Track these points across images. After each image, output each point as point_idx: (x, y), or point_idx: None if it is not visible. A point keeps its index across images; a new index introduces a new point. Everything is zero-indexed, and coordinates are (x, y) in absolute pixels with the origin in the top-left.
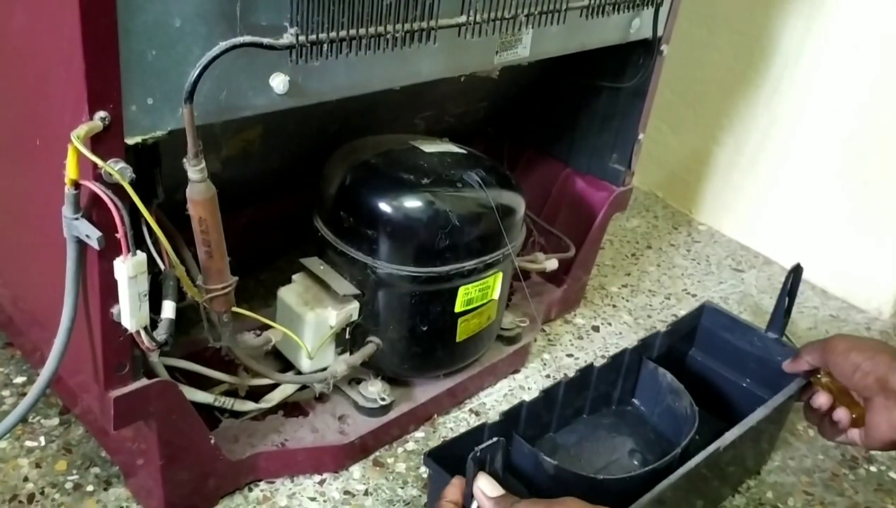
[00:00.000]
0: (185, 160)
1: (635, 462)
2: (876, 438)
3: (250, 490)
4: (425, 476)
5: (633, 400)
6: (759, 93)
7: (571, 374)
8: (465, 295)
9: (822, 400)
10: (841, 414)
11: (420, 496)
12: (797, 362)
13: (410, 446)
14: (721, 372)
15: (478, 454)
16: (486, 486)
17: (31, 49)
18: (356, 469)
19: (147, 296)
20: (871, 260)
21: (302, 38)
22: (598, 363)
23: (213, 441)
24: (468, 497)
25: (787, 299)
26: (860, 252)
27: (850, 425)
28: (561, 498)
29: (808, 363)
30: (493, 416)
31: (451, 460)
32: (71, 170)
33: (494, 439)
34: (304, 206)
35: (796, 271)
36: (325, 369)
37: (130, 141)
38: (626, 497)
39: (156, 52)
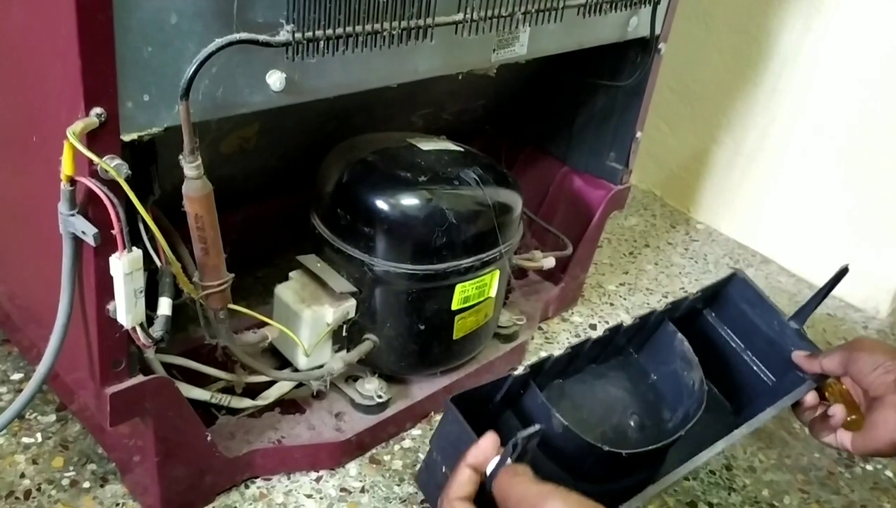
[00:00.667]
0: (181, 157)
1: (632, 424)
2: (879, 436)
3: (247, 486)
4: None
5: (639, 352)
6: (758, 91)
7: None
8: (462, 293)
9: (808, 398)
10: (837, 410)
11: (416, 493)
12: (811, 361)
13: (407, 443)
14: (730, 340)
15: (518, 441)
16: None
17: (28, 45)
18: (353, 467)
19: (143, 293)
20: (868, 259)
21: (298, 35)
22: (627, 322)
23: (209, 438)
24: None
25: (822, 297)
26: (858, 251)
27: (844, 426)
28: (546, 488)
29: (822, 367)
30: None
31: (473, 411)
32: (67, 167)
33: (536, 427)
34: (301, 204)
35: (842, 272)
36: (321, 366)
37: (126, 137)
38: (619, 468)
39: (152, 48)
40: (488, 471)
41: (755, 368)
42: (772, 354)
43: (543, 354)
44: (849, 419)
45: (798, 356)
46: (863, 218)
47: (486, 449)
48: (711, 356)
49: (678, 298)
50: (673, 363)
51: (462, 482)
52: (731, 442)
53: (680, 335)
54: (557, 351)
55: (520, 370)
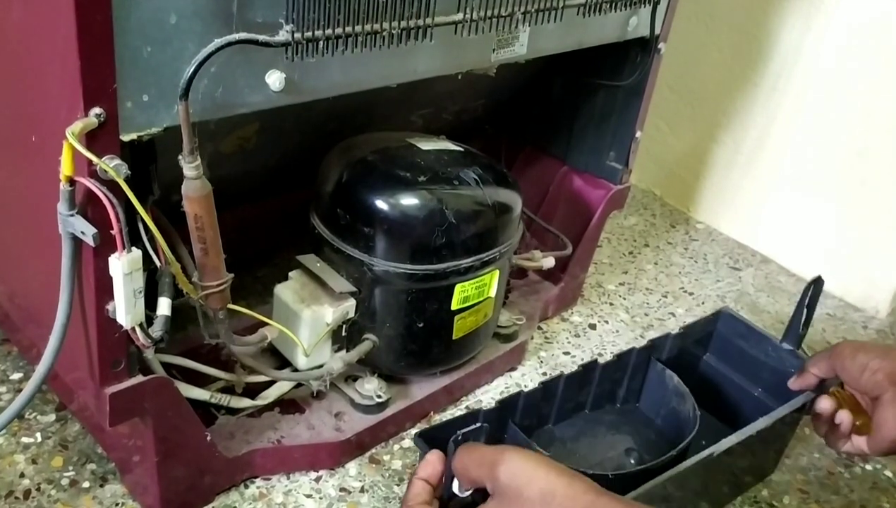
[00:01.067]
0: (180, 157)
1: (631, 461)
2: (885, 437)
3: (246, 486)
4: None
5: (639, 400)
6: (758, 91)
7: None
8: (462, 293)
9: (823, 404)
10: (843, 416)
11: None
12: (803, 377)
13: (406, 443)
14: (734, 379)
15: (459, 437)
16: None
17: (27, 45)
18: (352, 467)
19: (142, 293)
20: (868, 259)
21: (298, 35)
22: (603, 359)
23: (209, 438)
24: (448, 477)
25: (804, 311)
26: (858, 251)
27: (854, 431)
28: (507, 450)
29: (814, 375)
30: None
31: (440, 443)
32: (66, 167)
33: (478, 424)
34: (300, 203)
35: (816, 283)
36: (321, 366)
37: (126, 137)
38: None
39: (151, 48)
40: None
41: (765, 401)
42: (775, 382)
43: (543, 354)
44: (857, 423)
45: (792, 383)
46: (863, 217)
47: (433, 462)
48: (721, 399)
49: (658, 336)
50: (670, 401)
51: (416, 492)
52: (720, 449)
53: (668, 371)
54: (559, 349)
55: (487, 406)
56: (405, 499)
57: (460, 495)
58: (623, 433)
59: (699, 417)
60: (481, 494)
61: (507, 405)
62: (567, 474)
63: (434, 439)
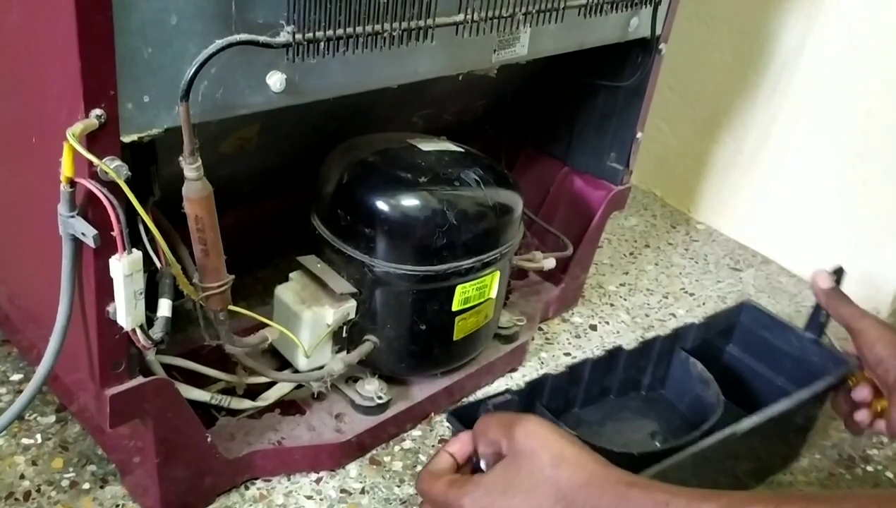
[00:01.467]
0: (181, 158)
1: (656, 444)
2: None
3: (247, 488)
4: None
5: (664, 387)
6: (759, 92)
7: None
8: (463, 294)
9: (864, 393)
10: (863, 393)
11: (416, 495)
12: (832, 302)
13: (407, 444)
14: (757, 369)
15: (490, 406)
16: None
17: (27, 46)
18: (353, 468)
19: (143, 295)
20: (869, 260)
21: (299, 36)
22: (628, 346)
23: (209, 440)
24: (476, 461)
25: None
26: (858, 251)
27: (875, 413)
28: (525, 416)
29: (840, 315)
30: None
31: (473, 423)
32: (66, 168)
33: (507, 396)
34: (301, 205)
35: (837, 273)
36: (322, 367)
37: (126, 139)
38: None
39: (152, 49)
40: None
41: (788, 390)
42: (799, 372)
43: (544, 355)
44: (879, 408)
45: (819, 280)
46: (863, 218)
47: (464, 441)
48: (745, 389)
49: (684, 324)
50: (694, 388)
51: (439, 460)
52: (742, 429)
53: (692, 359)
54: (560, 351)
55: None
56: (427, 464)
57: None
58: (648, 418)
59: (723, 402)
60: None
61: (535, 386)
62: (578, 445)
63: (467, 417)
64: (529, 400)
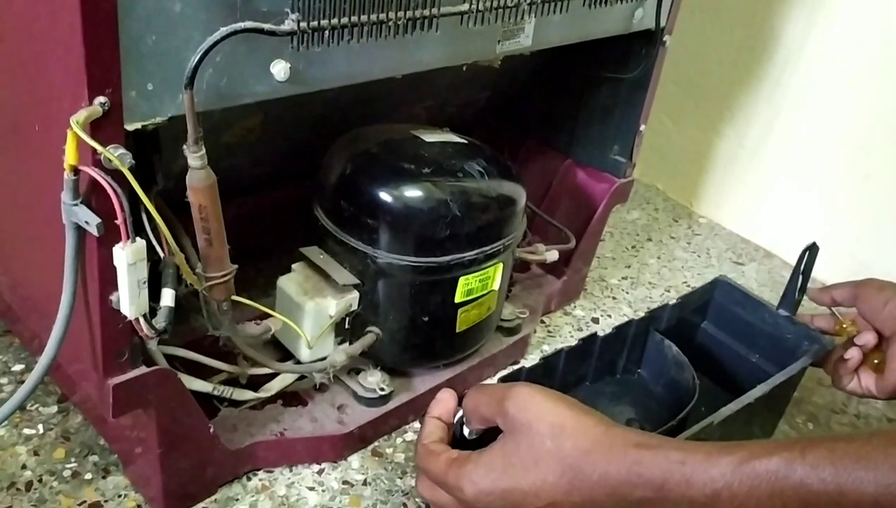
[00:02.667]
0: (185, 147)
1: None
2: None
3: (249, 479)
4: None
5: (639, 370)
6: (762, 85)
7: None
8: (466, 286)
9: (868, 337)
10: (854, 352)
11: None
12: (823, 293)
13: (409, 436)
14: (732, 346)
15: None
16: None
17: (31, 33)
18: (355, 459)
19: (146, 284)
20: (871, 254)
21: (303, 24)
22: (602, 333)
23: (212, 430)
24: (458, 423)
25: (800, 277)
26: (860, 245)
27: (870, 366)
28: (515, 386)
29: (832, 298)
30: None
31: None
32: (70, 156)
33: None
34: (304, 195)
35: (811, 250)
36: (324, 359)
37: (130, 127)
38: None
39: (156, 37)
40: (455, 419)
41: (762, 367)
42: (773, 348)
43: (546, 348)
44: (875, 361)
45: (812, 290)
46: (866, 212)
47: (445, 400)
48: (719, 366)
49: (656, 306)
50: (669, 370)
51: (431, 430)
52: (719, 417)
53: (667, 341)
54: (562, 343)
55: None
56: (419, 438)
57: (468, 437)
58: (624, 403)
59: (698, 386)
60: (491, 436)
61: (510, 379)
62: (576, 407)
63: None
64: None
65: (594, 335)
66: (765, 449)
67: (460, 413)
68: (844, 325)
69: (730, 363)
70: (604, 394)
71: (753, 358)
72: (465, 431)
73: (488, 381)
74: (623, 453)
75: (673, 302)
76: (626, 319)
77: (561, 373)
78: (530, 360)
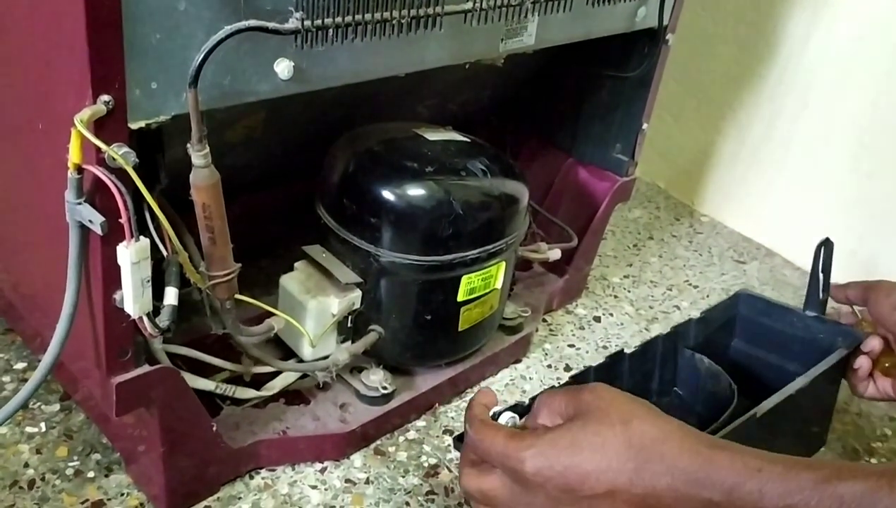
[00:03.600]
0: (188, 145)
1: None
2: None
3: (251, 477)
4: (426, 465)
5: (675, 388)
6: (764, 84)
7: (592, 363)
8: (468, 285)
9: (873, 343)
10: (862, 361)
11: (421, 484)
12: (838, 291)
13: (412, 435)
14: (765, 359)
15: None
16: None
17: (35, 32)
18: (357, 458)
19: (150, 282)
20: (873, 253)
21: (307, 22)
22: (629, 350)
23: (214, 429)
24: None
25: (820, 275)
26: (863, 244)
27: (883, 373)
28: (589, 385)
29: (846, 298)
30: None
31: None
32: (74, 155)
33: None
34: (306, 194)
35: (826, 245)
36: (327, 357)
37: (134, 125)
38: None
39: (160, 35)
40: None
41: (800, 373)
42: (807, 352)
43: (548, 346)
44: (887, 365)
45: (833, 291)
46: (868, 210)
47: (489, 394)
48: (758, 383)
49: (683, 321)
50: (705, 385)
51: (480, 411)
52: (762, 410)
53: (697, 355)
54: (564, 342)
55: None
56: (470, 416)
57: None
58: None
59: (736, 391)
60: None
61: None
62: (649, 406)
63: None
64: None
65: (621, 352)
66: (850, 472)
67: (493, 409)
68: (864, 325)
69: (767, 376)
70: None
71: (790, 366)
72: (504, 420)
73: (490, 379)
74: (696, 450)
75: (696, 316)
76: (628, 317)
77: None
78: (532, 359)
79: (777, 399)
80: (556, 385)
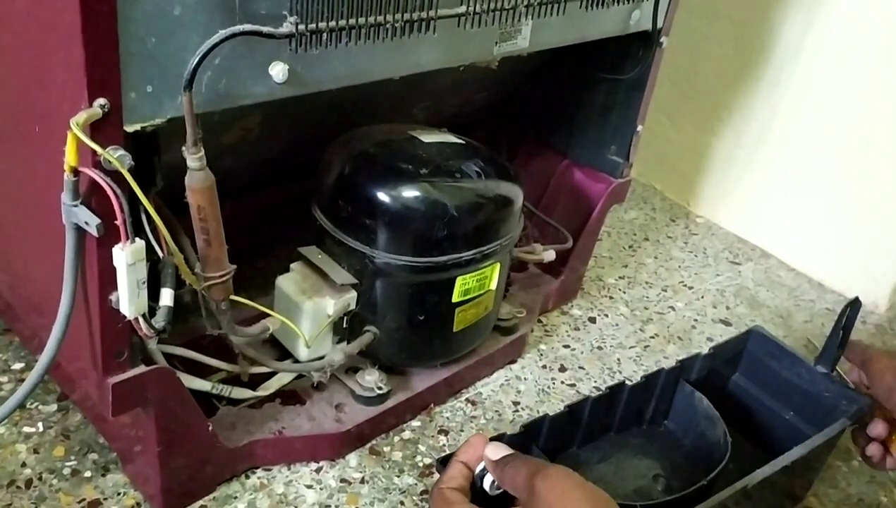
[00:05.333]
0: (184, 148)
1: (659, 489)
2: None
3: (247, 477)
4: (421, 464)
5: (666, 421)
6: (759, 85)
7: (601, 390)
8: (463, 286)
9: (879, 429)
10: (873, 450)
11: (416, 484)
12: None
13: (407, 435)
14: (764, 401)
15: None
16: (491, 451)
17: (31, 35)
18: (353, 458)
19: (145, 284)
20: (868, 254)
21: (301, 26)
22: (631, 382)
23: (210, 429)
24: (481, 472)
25: (840, 332)
26: (857, 245)
27: (891, 447)
28: (552, 466)
29: (846, 358)
30: (488, 406)
31: None
32: (70, 157)
33: (506, 431)
34: (302, 195)
35: (853, 305)
36: (322, 358)
37: (129, 128)
38: None
39: (155, 39)
40: (477, 470)
41: (797, 425)
42: (809, 406)
43: (543, 347)
44: (894, 438)
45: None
46: (862, 212)
47: (476, 445)
48: (751, 421)
49: (688, 356)
50: (699, 424)
51: (453, 475)
52: (753, 481)
53: (698, 394)
54: (559, 343)
55: (515, 430)
56: (439, 481)
57: (490, 493)
58: (651, 457)
59: (730, 444)
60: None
61: (532, 429)
62: (604, 499)
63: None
64: (525, 442)
65: (622, 384)
66: None
67: (482, 465)
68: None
69: (761, 417)
70: (629, 446)
71: (787, 414)
72: (487, 484)
73: (485, 380)
74: None
75: (705, 352)
76: (623, 318)
77: (586, 422)
78: (527, 360)
79: (770, 470)
80: (557, 409)
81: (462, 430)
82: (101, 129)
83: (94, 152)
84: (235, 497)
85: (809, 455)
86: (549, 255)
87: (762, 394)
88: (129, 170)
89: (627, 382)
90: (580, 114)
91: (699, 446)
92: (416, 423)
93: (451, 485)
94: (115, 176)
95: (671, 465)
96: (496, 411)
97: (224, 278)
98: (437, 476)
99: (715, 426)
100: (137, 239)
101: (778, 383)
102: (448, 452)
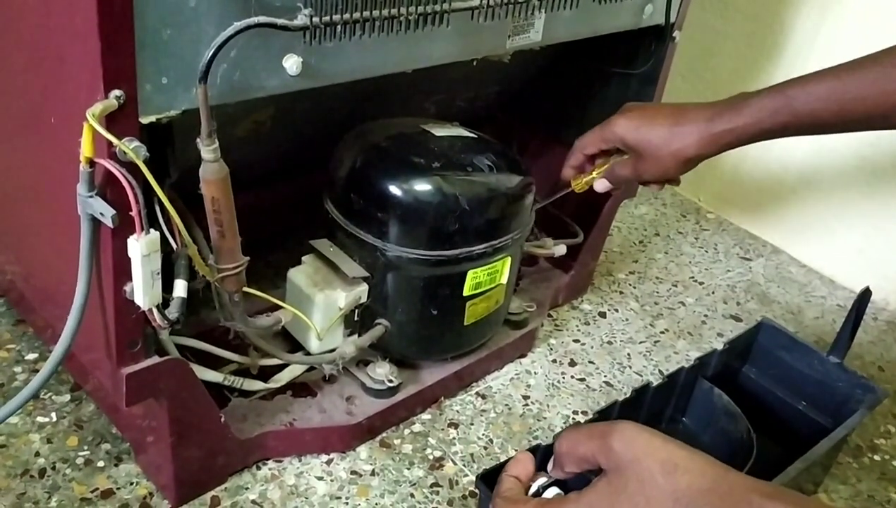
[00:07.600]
0: (198, 140)
1: None
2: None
3: (258, 468)
4: (431, 457)
5: (684, 418)
6: (771, 81)
7: (626, 393)
8: (474, 279)
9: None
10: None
11: (426, 476)
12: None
13: (417, 427)
14: (775, 391)
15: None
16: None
17: (47, 27)
18: (363, 450)
19: (160, 275)
20: (878, 251)
21: (316, 19)
22: (655, 382)
23: (222, 420)
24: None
25: (853, 326)
26: (869, 241)
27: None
28: (617, 423)
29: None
30: (498, 400)
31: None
32: (86, 148)
33: (540, 443)
34: (314, 188)
35: (864, 295)
36: (333, 350)
37: (145, 120)
38: None
39: (171, 31)
40: (533, 487)
41: (810, 415)
42: (822, 396)
43: (553, 341)
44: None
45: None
46: (873, 208)
47: (524, 461)
48: (763, 413)
49: (705, 353)
50: (719, 420)
51: (508, 486)
52: (787, 478)
53: (717, 390)
54: (569, 337)
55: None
56: (497, 492)
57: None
58: None
59: (755, 440)
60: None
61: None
62: (687, 447)
63: (495, 478)
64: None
65: (647, 385)
66: None
67: (538, 482)
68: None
69: (773, 409)
70: None
71: (800, 405)
72: (549, 493)
73: (495, 374)
74: (746, 499)
75: (720, 347)
76: (633, 313)
77: None
78: (537, 354)
79: (801, 465)
80: (579, 420)
81: (472, 423)
82: (117, 121)
83: (110, 143)
84: (247, 488)
85: (833, 447)
86: (560, 250)
87: (773, 385)
88: (144, 162)
89: (652, 383)
90: (592, 109)
91: (719, 442)
92: (426, 416)
93: (509, 494)
94: (131, 167)
95: None
96: (506, 405)
97: (237, 270)
98: (446, 469)
99: (737, 422)
100: (152, 230)
101: (790, 374)
102: (457, 446)
